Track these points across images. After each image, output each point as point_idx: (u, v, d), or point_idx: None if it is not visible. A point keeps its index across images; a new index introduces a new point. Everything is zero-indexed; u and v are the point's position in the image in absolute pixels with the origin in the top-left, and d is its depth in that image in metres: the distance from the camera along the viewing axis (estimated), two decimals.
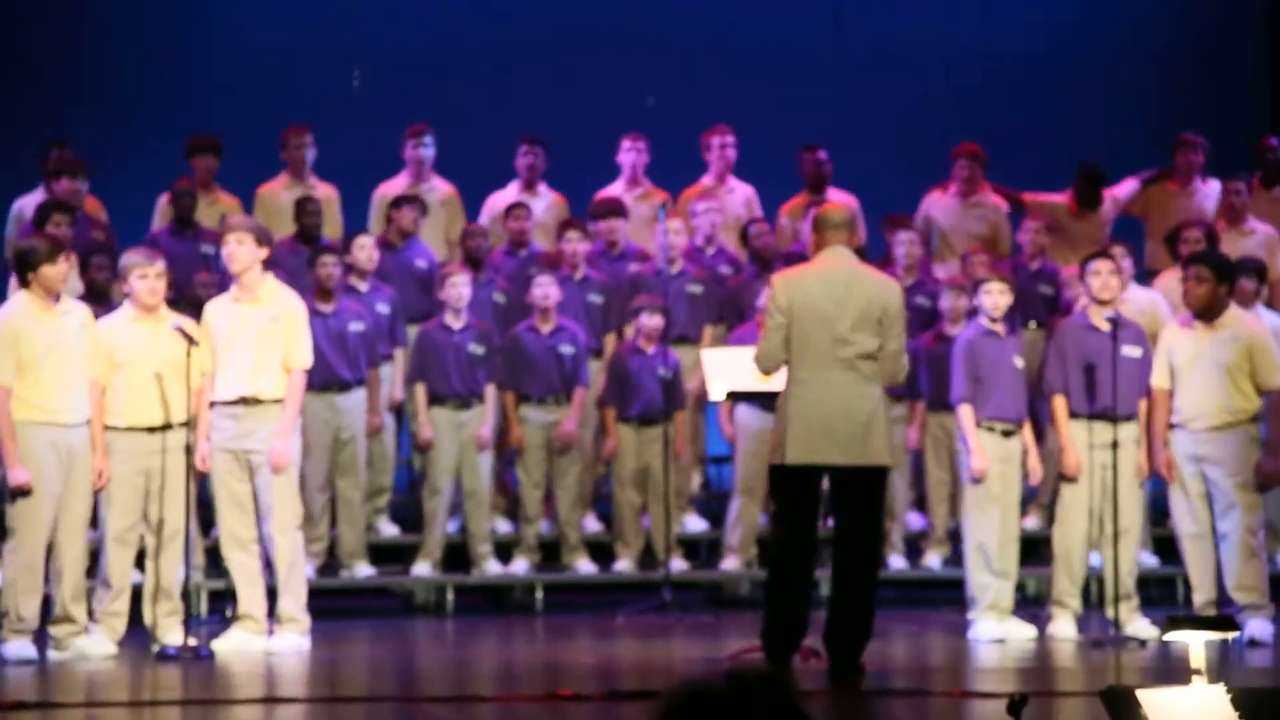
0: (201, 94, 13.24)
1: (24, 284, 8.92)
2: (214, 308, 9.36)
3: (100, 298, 10.36)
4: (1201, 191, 12.38)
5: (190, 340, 9.06)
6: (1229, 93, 14.07)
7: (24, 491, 8.79)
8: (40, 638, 8.95)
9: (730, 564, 11.36)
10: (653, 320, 11.17)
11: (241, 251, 9.23)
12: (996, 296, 9.68)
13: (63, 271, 8.93)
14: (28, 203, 11.37)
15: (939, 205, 12.34)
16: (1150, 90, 13.96)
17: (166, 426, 9.16)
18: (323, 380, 10.74)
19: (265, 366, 9.22)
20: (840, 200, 12.36)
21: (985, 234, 12.33)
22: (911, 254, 11.56)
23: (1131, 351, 9.56)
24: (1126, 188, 12.45)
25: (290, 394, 9.25)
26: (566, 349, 11.30)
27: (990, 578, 9.57)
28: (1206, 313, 9.46)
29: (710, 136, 12.45)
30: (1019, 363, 9.75)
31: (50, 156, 11.56)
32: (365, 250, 11.31)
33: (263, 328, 9.24)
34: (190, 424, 9.12)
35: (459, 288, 11.07)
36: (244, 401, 9.21)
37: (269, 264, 9.41)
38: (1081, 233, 12.07)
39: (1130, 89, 13.96)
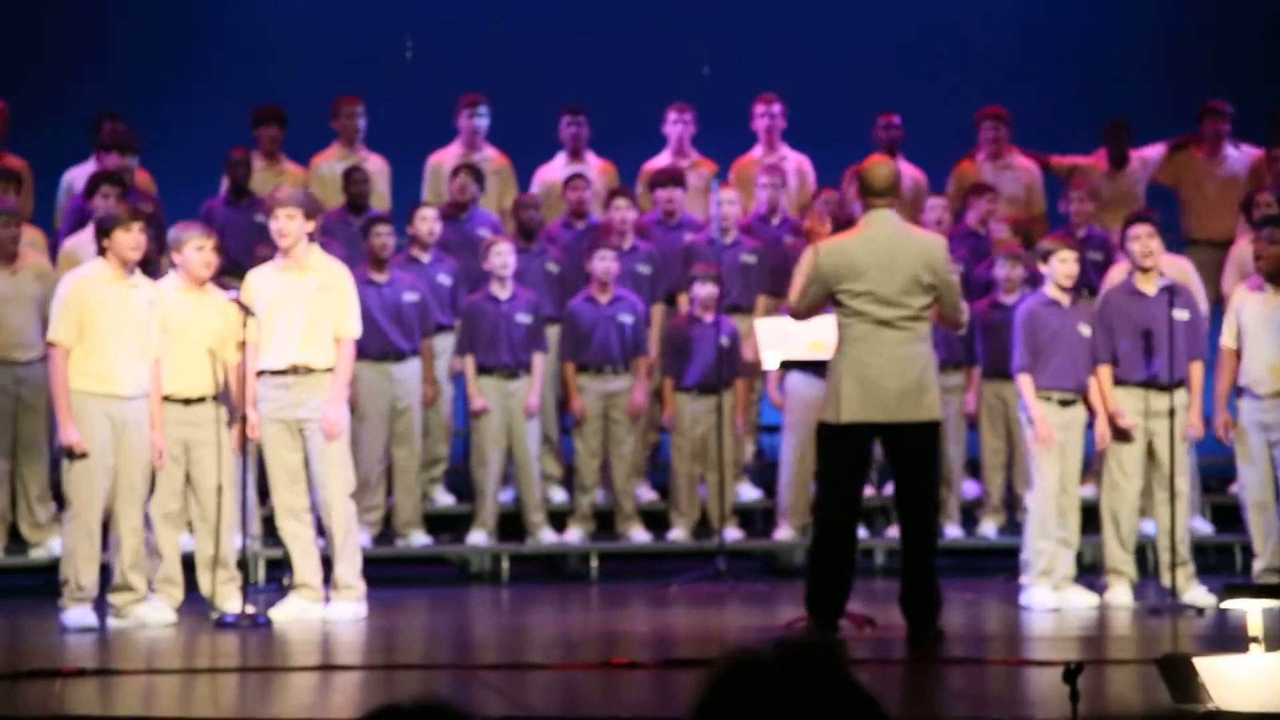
0: (255, 65, 13.25)
1: (101, 251, 9.01)
2: (258, 277, 9.38)
3: (143, 267, 10.38)
4: (1232, 158, 12.28)
5: (248, 312, 9.10)
6: (1258, 58, 13.84)
7: (75, 454, 8.85)
8: (100, 606, 9.03)
9: (784, 533, 11.35)
10: (705, 289, 11.16)
11: (291, 226, 9.25)
12: (1072, 265, 9.63)
13: (136, 239, 8.96)
14: (77, 174, 11.42)
15: (971, 173, 12.28)
16: (1180, 56, 13.76)
17: (207, 398, 9.21)
18: (378, 350, 10.78)
19: (316, 335, 9.25)
20: (908, 171, 12.32)
21: (1020, 195, 12.26)
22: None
23: (1180, 315, 9.52)
24: (1155, 151, 12.36)
25: (341, 362, 9.29)
26: (626, 318, 11.30)
27: (1048, 544, 9.53)
28: (1277, 276, 9.44)
29: (756, 105, 12.40)
30: (1085, 331, 9.68)
31: (103, 129, 11.59)
32: (427, 222, 11.33)
33: (313, 297, 9.27)
34: (220, 397, 9.17)
35: (503, 256, 11.07)
36: (295, 370, 9.25)
37: (318, 235, 9.44)
38: (1114, 192, 11.99)
39: (1161, 55, 13.77)
